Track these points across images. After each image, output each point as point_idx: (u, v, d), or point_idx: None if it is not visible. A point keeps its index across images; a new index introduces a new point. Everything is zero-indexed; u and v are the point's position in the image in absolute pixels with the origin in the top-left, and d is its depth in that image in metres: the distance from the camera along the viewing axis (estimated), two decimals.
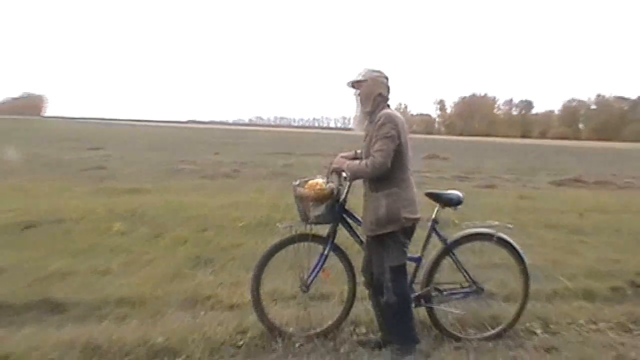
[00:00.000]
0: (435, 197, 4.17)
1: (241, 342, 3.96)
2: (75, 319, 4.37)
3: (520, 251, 4.29)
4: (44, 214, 7.99)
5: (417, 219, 3.84)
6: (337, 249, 4.17)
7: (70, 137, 35.51)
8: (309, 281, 4.09)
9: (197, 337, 3.91)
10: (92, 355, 3.67)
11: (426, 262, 4.19)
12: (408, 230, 3.83)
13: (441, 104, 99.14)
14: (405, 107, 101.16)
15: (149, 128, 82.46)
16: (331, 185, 4.03)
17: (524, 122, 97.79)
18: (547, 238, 7.62)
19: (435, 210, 4.17)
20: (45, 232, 7.08)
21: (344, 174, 3.88)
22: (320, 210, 4.01)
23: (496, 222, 4.37)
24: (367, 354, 3.96)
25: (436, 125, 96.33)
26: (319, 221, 4.05)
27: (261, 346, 3.95)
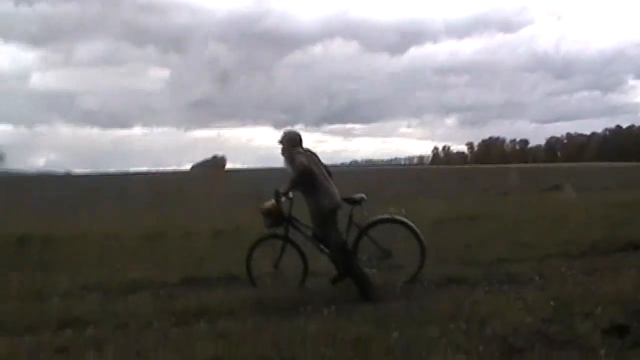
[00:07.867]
0: (346, 200, 4.18)
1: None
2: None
3: (413, 226, 4.15)
4: None
5: (337, 207, 4.03)
6: (291, 242, 4.20)
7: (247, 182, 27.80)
8: (278, 263, 4.24)
9: None
10: None
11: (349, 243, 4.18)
12: (333, 213, 4.02)
13: (470, 144, 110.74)
14: (449, 147, 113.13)
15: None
16: (273, 202, 4.06)
17: (522, 153, 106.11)
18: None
19: (351, 209, 4.21)
20: None
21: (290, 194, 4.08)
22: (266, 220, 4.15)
23: (392, 209, 4.38)
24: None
25: (467, 159, 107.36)
26: (268, 226, 4.17)
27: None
